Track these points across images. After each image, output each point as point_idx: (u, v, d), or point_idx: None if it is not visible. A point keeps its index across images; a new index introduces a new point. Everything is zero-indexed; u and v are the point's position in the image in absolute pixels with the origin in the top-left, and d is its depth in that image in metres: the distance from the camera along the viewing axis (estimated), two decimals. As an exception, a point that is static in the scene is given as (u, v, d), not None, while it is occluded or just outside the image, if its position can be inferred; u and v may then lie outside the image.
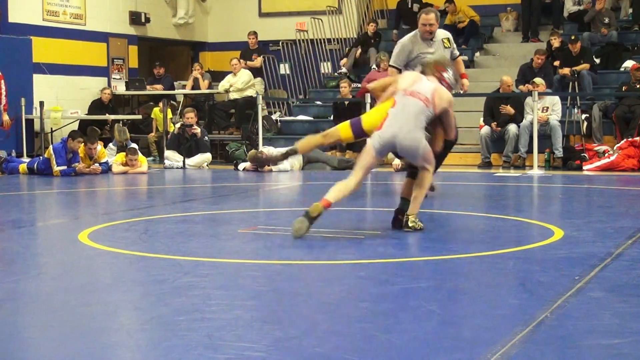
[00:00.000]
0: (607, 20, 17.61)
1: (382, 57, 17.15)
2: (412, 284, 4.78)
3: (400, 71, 9.09)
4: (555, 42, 16.50)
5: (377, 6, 20.96)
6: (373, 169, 7.02)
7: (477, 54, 19.11)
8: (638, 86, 14.87)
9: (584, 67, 15.82)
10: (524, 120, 14.47)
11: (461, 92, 10.30)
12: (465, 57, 18.50)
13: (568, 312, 4.06)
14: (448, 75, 7.00)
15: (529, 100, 14.42)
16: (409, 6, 19.15)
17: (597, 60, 16.71)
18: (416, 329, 3.79)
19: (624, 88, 14.98)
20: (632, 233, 6.51)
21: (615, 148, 13.77)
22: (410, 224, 6.63)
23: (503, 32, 19.96)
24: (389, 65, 9.58)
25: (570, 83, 15.66)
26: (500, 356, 3.34)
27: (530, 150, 13.97)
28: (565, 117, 15.03)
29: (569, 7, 18.80)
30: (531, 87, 14.83)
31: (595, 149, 14.18)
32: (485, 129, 14.77)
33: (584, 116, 15.03)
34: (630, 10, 18.70)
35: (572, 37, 16.24)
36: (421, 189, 6.71)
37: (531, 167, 13.70)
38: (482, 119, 15.15)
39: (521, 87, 15.47)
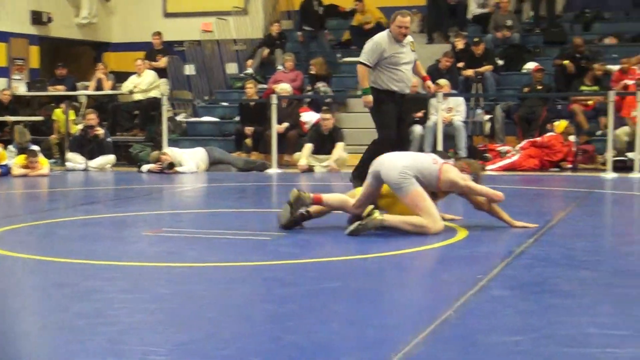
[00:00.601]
0: (509, 23, 17.94)
1: (286, 58, 17.17)
2: (317, 285, 4.80)
3: (370, 69, 9.25)
4: (460, 44, 16.75)
5: (283, 7, 20.96)
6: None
7: (383, 55, 19.23)
8: (539, 87, 15.22)
9: (487, 68, 16.11)
10: (428, 121, 14.65)
11: (428, 94, 10.31)
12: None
13: (471, 310, 4.12)
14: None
15: (433, 101, 14.61)
16: (314, 8, 19.18)
17: (500, 62, 17.03)
18: (321, 330, 3.80)
19: (525, 89, 15.30)
20: (533, 232, 6.64)
21: (517, 148, 14.05)
22: (374, 216, 6.49)
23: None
24: (360, 62, 9.50)
25: (474, 84, 15.92)
26: (404, 355, 3.37)
27: (434, 151, 14.15)
28: (469, 118, 15.27)
29: (473, 9, 19.10)
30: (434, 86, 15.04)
31: (498, 149, 14.45)
32: (391, 130, 14.90)
33: (487, 117, 15.30)
34: (532, 13, 19.10)
35: (476, 39, 16.52)
36: (409, 226, 6.54)
37: (436, 167, 13.86)
38: (387, 120, 15.27)
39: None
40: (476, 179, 6.84)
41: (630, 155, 13.45)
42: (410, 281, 4.99)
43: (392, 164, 6.64)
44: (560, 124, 14.00)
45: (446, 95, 14.56)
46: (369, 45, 9.40)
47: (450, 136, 14.52)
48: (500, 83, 16.59)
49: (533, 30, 18.58)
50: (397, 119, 9.48)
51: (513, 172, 13.32)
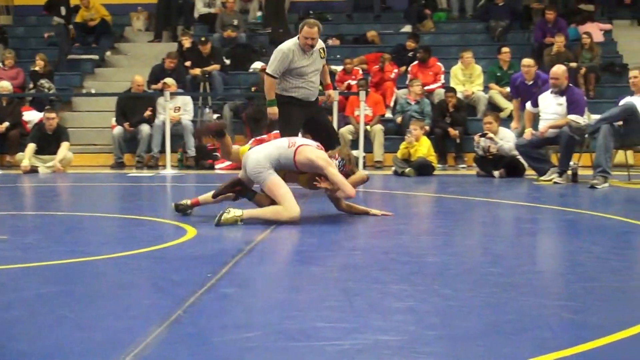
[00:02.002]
0: (236, 22, 18.16)
1: (7, 55, 16.54)
2: (43, 289, 4.64)
3: (276, 80, 9.14)
4: (186, 43, 16.76)
5: (2, 1, 20.15)
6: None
7: (108, 53, 18.96)
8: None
9: (214, 67, 16.23)
10: (156, 120, 14.56)
11: (327, 104, 10.12)
12: (96, 57, 18.31)
13: (201, 309, 4.13)
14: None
15: (160, 100, 14.53)
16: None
17: (227, 61, 17.20)
18: (48, 336, 3.68)
19: (253, 89, 15.55)
20: (263, 229, 6.75)
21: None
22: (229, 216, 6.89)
23: (134, 31, 19.96)
24: (266, 74, 9.34)
25: (202, 83, 15.99)
26: (134, 357, 3.33)
27: (163, 150, 14.08)
28: (198, 117, 15.33)
29: (200, 8, 19.19)
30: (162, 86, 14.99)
31: (227, 148, 14.57)
32: (118, 129, 14.70)
33: (215, 116, 15.41)
34: (259, 13, 19.43)
35: (203, 38, 16.59)
36: (268, 213, 7.03)
37: (164, 166, 13.82)
38: (114, 118, 15.05)
39: (153, 86, 15.55)
40: (347, 165, 7.38)
41: (354, 153, 13.96)
42: (139, 283, 4.93)
43: (251, 157, 7.17)
44: (287, 123, 14.31)
45: (173, 94, 14.52)
46: (276, 55, 9.23)
47: (179, 135, 14.51)
48: (228, 82, 16.77)
49: (259, 30, 18.91)
50: (302, 119, 9.49)
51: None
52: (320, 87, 9.75)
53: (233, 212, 6.93)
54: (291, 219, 6.93)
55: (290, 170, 7.28)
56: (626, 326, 3.76)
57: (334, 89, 12.71)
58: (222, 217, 6.90)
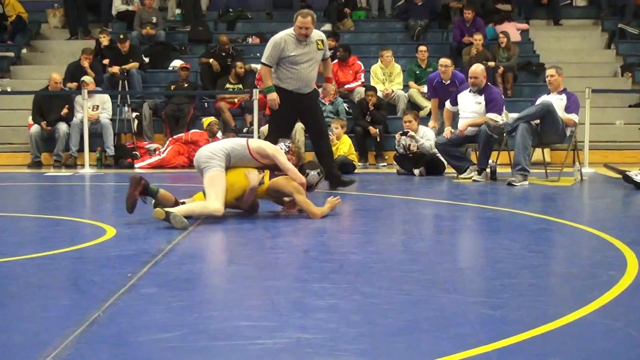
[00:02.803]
0: (154, 20, 18.02)
1: None
2: (-44, 291, 4.55)
3: (271, 69, 9.33)
4: (105, 40, 16.56)
5: None
6: None
7: (24, 50, 18.65)
8: (186, 85, 15.42)
9: (133, 65, 16.07)
10: (74, 119, 14.36)
11: (324, 99, 10.04)
12: (12, 54, 18.00)
13: (121, 309, 4.09)
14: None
15: (78, 98, 14.35)
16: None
17: (147, 59, 17.05)
18: (-38, 339, 3.61)
19: (172, 87, 15.44)
20: (184, 227, 6.72)
21: (165, 145, 14.14)
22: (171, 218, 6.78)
23: (50, 28, 19.67)
24: (261, 63, 9.54)
25: (120, 81, 15.82)
26: (54, 358, 3.29)
27: (81, 149, 13.90)
28: (117, 116, 15.17)
29: (117, 5, 18.98)
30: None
31: (147, 146, 14.49)
32: (35, 128, 14.47)
33: (134, 114, 15.27)
34: (178, 11, 19.31)
35: (121, 36, 16.41)
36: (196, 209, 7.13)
37: (83, 165, 13.64)
38: (30, 117, 14.81)
39: (69, 84, 15.34)
40: (298, 159, 7.66)
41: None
42: (57, 283, 4.87)
43: (205, 148, 7.43)
44: (206, 120, 14.28)
45: (91, 92, 14.35)
46: (269, 44, 9.47)
47: (97, 134, 14.35)
48: (147, 80, 16.63)
49: (178, 28, 18.80)
50: (293, 120, 9.73)
51: (162, 170, 13.41)
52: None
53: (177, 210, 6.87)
54: (214, 212, 7.09)
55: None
56: (544, 322, 3.83)
57: (253, 87, 12.69)
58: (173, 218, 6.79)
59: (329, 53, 10.06)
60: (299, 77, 9.58)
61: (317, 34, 9.68)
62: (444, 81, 12.94)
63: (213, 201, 7.08)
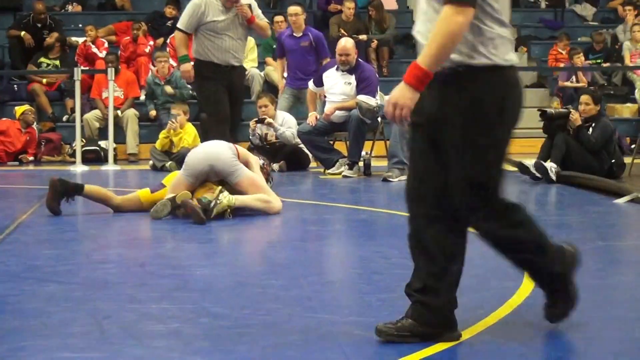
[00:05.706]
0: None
1: None
2: None
3: (189, 36, 9.47)
4: None
5: None
6: None
7: None
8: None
9: None
10: None
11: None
12: None
13: None
14: None
15: None
16: None
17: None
18: None
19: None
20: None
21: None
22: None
23: None
24: (177, 29, 9.60)
25: None
26: None
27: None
28: None
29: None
30: None
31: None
32: None
33: None
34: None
35: None
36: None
37: None
38: None
39: None
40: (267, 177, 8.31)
41: (102, 144, 13.83)
42: None
43: (220, 154, 7.82)
44: (19, 109, 13.98)
45: None
46: (187, 7, 9.53)
47: None
48: None
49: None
50: (226, 99, 9.60)
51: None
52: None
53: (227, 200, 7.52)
54: (278, 211, 7.88)
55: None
56: (426, 345, 3.89)
57: (75, 65, 12.47)
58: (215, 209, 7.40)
59: (263, 18, 10.07)
60: (226, 47, 9.61)
61: None
62: (294, 34, 12.97)
63: (275, 200, 7.90)
